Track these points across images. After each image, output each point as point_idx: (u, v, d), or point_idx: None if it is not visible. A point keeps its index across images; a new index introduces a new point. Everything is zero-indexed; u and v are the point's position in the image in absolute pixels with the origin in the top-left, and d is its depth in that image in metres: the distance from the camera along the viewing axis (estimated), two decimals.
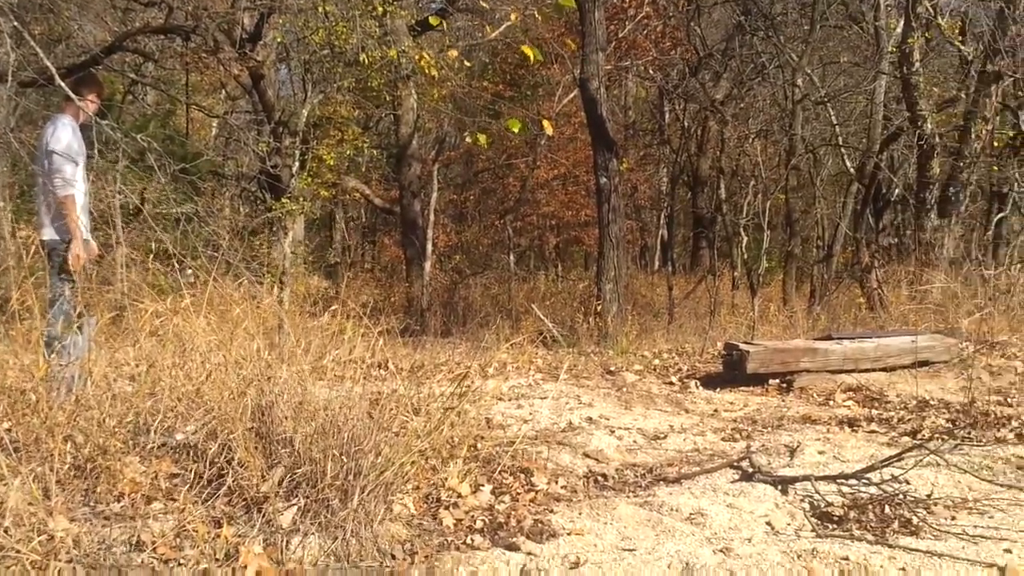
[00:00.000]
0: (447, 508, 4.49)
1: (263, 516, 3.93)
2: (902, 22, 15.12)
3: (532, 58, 11.22)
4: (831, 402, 7.91)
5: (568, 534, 4.29)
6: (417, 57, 13.02)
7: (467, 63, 15.89)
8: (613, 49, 19.36)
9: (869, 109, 16.96)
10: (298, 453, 4.10)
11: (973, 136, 14.06)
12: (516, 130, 10.59)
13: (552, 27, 20.15)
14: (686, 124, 22.24)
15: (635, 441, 6.28)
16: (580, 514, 4.57)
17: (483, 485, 4.82)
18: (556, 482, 5.11)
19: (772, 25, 17.89)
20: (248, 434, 4.17)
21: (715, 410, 7.56)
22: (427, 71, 12.88)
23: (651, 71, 21.64)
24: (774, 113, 19.19)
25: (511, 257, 21.61)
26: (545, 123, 11.66)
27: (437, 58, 13.28)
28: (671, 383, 8.68)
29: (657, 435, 6.47)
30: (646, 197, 27.25)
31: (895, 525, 4.47)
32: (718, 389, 8.37)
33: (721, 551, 4.11)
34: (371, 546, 3.94)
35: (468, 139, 14.68)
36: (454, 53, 12.41)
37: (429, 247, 18.73)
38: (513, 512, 4.54)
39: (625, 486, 5.22)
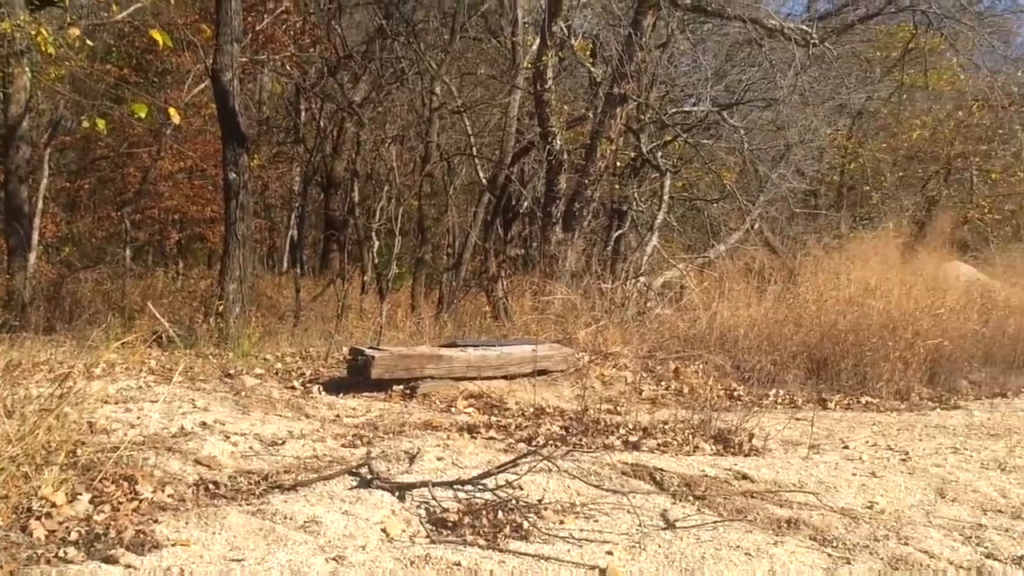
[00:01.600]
0: (39, 519, 4.14)
1: None
2: (538, 40, 15.64)
3: (162, 43, 10.68)
4: (453, 409, 8.00)
5: (172, 545, 4.05)
6: (34, 32, 12.12)
7: (90, 43, 14.92)
8: (250, 41, 18.91)
9: (503, 122, 17.44)
10: None
11: (598, 155, 14.75)
12: (142, 115, 10.01)
13: (185, 13, 19.44)
14: (322, 124, 22.05)
15: (251, 447, 6.03)
16: (187, 524, 4.33)
17: (81, 494, 4.49)
18: (163, 490, 4.83)
19: (413, 31, 18.04)
20: None
21: (337, 416, 7.44)
22: (44, 48, 12.00)
23: (288, 67, 21.32)
24: (411, 119, 19.37)
25: (128, 251, 20.71)
26: (172, 111, 11.11)
27: (56, 35, 12.42)
28: (293, 387, 8.48)
29: (275, 441, 6.25)
30: (277, 196, 26.88)
31: (507, 530, 4.53)
32: (341, 394, 8.27)
33: (334, 559, 4.02)
34: None
35: (86, 123, 13.82)
36: (76, 31, 11.64)
37: (35, 237, 17.51)
38: (113, 522, 4.24)
39: (238, 494, 5.00)
